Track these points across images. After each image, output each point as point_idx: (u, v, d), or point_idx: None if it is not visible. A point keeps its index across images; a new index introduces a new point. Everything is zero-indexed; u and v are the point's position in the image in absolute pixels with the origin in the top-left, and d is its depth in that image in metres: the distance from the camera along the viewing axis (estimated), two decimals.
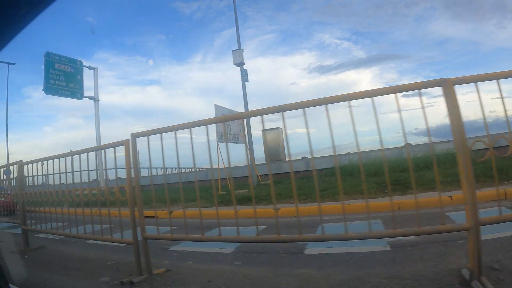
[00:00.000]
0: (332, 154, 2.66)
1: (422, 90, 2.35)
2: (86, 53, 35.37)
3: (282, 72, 32.80)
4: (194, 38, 34.13)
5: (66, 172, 4.28)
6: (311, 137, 2.61)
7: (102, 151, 4.02)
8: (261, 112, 2.83)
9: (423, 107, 2.35)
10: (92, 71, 15.46)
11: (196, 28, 31.28)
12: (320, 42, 31.78)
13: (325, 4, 30.10)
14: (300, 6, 32.21)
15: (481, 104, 2.30)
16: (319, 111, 2.51)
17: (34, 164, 4.76)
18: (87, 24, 29.87)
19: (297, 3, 31.51)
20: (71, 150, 4.23)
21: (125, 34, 34.88)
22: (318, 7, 30.28)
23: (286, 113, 2.69)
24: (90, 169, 3.92)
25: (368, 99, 2.39)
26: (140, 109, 35.74)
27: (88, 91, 15.05)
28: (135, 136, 3.32)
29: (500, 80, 2.21)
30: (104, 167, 8.24)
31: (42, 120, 39.50)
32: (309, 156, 3.45)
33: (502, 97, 2.25)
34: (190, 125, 3.08)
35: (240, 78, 11.26)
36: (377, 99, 2.40)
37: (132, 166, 3.29)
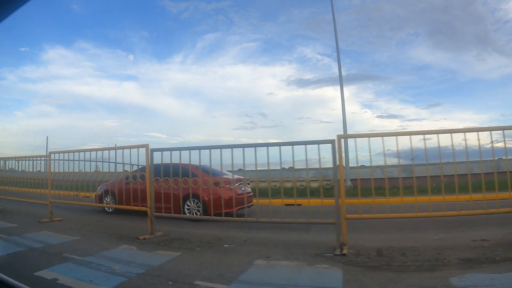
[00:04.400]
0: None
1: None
2: (66, 41, 34.58)
3: (260, 82, 33.01)
4: (177, 38, 34.04)
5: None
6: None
7: None
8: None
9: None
10: None
11: (181, 28, 31.28)
12: (301, 55, 31.43)
13: (311, 19, 29.64)
14: (286, 18, 31.67)
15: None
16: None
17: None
18: (71, 12, 29.99)
19: (284, 15, 31.12)
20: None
21: (108, 26, 33.98)
22: (304, 21, 29.74)
23: None
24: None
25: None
26: (115, 104, 36.59)
27: None
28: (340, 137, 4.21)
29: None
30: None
31: (14, 104, 37.73)
32: None
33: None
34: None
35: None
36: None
37: None
